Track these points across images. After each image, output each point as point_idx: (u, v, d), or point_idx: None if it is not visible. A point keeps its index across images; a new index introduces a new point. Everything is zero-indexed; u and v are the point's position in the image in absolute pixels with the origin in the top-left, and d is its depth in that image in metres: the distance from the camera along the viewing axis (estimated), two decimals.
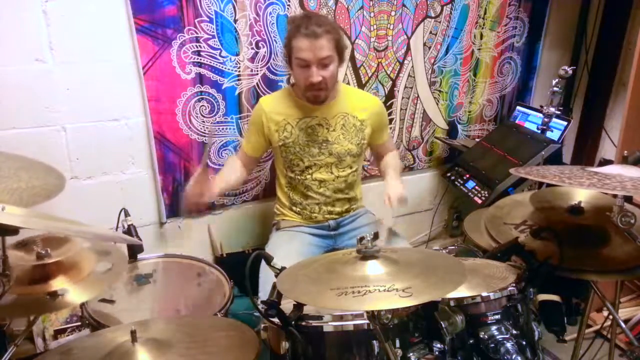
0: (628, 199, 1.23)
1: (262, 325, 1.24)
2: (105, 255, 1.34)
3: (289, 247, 1.83)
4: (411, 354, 1.13)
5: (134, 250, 1.68)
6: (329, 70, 1.74)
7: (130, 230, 1.73)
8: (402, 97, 2.54)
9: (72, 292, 1.19)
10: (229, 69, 2.09)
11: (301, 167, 1.90)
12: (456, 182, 2.47)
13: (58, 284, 1.18)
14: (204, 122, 2.11)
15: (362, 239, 1.08)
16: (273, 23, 2.10)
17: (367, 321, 1.10)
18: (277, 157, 1.95)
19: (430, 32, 2.48)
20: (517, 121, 2.61)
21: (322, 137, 1.87)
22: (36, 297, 1.16)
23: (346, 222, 1.99)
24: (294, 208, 1.97)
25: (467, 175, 2.43)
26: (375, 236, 1.08)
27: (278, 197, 2.04)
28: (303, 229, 1.95)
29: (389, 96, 2.50)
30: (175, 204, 2.17)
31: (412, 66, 2.50)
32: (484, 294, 1.21)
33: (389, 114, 2.52)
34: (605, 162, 2.77)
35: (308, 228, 1.95)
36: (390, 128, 2.56)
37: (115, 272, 1.31)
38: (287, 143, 1.86)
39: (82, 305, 1.47)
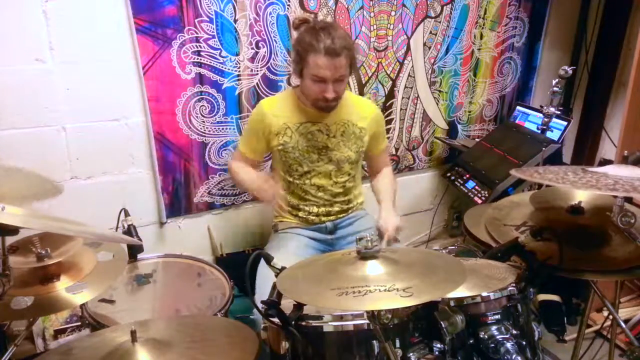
0: (628, 199, 1.23)
1: (262, 325, 1.24)
2: (102, 245, 1.34)
3: (286, 250, 1.83)
4: (411, 354, 1.13)
5: (134, 250, 1.68)
6: (343, 84, 1.75)
7: (130, 230, 1.73)
8: (402, 97, 2.54)
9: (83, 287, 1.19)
10: (229, 69, 2.09)
11: (300, 172, 1.88)
12: (456, 182, 2.47)
13: (62, 283, 1.18)
14: (204, 122, 2.11)
15: (361, 239, 1.08)
16: (273, 23, 2.10)
17: (367, 321, 1.10)
18: (276, 160, 1.93)
19: (430, 32, 2.48)
20: (517, 121, 2.62)
21: (321, 143, 1.86)
22: (43, 297, 1.16)
23: (344, 224, 1.98)
24: (292, 211, 1.96)
25: (467, 175, 2.43)
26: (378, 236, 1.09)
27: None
28: (300, 231, 1.94)
29: (389, 96, 2.50)
30: (175, 204, 2.17)
31: (412, 66, 2.50)
32: (484, 294, 1.20)
33: (389, 114, 2.53)
34: (605, 162, 2.77)
35: (305, 230, 1.94)
36: (390, 128, 2.56)
37: (118, 260, 1.31)
38: (286, 147, 1.84)
39: (82, 305, 1.47)
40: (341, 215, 1.98)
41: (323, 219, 1.95)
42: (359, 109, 1.93)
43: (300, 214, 1.94)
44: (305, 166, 1.87)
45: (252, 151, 1.91)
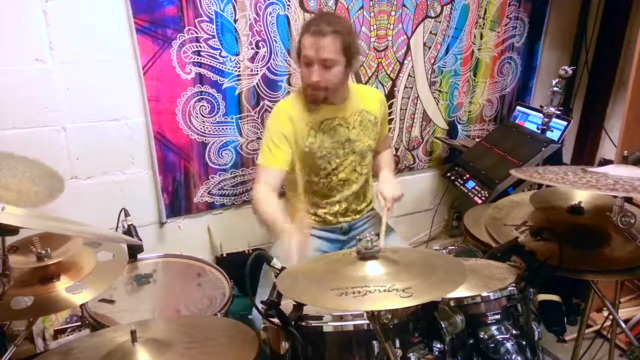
0: (628, 199, 1.23)
1: (262, 325, 1.24)
2: (102, 245, 1.34)
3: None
4: (411, 354, 1.13)
5: (134, 250, 1.68)
6: (331, 72, 1.70)
7: (130, 230, 1.73)
8: (402, 97, 2.54)
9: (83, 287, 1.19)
10: (229, 69, 2.09)
11: (327, 170, 1.86)
12: (456, 182, 2.47)
13: (62, 283, 1.18)
14: (204, 122, 2.11)
15: (361, 239, 1.08)
16: (273, 23, 2.10)
17: (367, 321, 1.10)
18: (297, 163, 1.83)
19: (430, 32, 2.48)
20: (517, 121, 2.62)
21: (344, 137, 1.84)
22: (43, 297, 1.16)
23: (357, 225, 1.97)
24: (310, 210, 1.91)
25: (467, 175, 2.43)
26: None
27: (290, 201, 1.97)
28: (314, 232, 1.90)
29: (389, 96, 2.50)
30: (175, 204, 2.17)
31: (412, 66, 2.50)
32: (484, 294, 1.21)
33: (389, 114, 2.53)
34: (605, 162, 2.77)
35: (320, 231, 1.92)
36: (390, 128, 2.56)
37: (118, 260, 1.31)
38: (313, 149, 1.80)
39: (82, 305, 1.47)
40: (357, 217, 1.96)
41: (340, 219, 1.93)
42: (368, 96, 1.93)
43: (320, 211, 1.90)
44: (333, 163, 1.85)
45: (284, 161, 1.76)
